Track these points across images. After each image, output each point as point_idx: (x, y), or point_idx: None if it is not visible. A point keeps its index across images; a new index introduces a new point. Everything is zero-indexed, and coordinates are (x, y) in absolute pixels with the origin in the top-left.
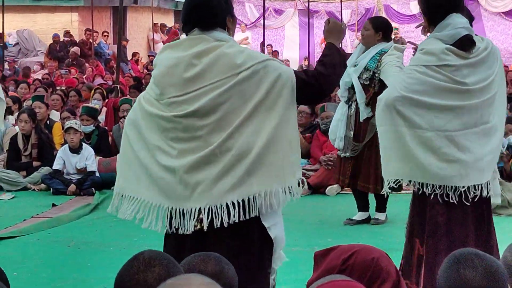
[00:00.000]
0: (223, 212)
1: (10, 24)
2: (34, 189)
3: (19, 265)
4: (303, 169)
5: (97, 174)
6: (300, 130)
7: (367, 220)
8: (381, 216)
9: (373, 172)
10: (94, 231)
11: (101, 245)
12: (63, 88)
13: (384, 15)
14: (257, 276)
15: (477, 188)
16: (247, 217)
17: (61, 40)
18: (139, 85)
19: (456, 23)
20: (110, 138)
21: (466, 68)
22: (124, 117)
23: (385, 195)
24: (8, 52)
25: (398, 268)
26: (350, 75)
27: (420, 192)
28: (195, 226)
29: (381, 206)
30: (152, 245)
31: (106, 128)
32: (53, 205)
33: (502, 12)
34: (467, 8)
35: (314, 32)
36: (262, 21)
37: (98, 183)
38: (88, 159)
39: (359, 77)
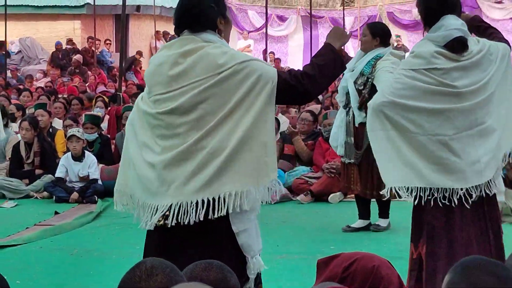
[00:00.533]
0: (192, 210)
1: (13, 32)
2: (36, 197)
3: (21, 273)
4: (306, 176)
5: (99, 182)
6: (302, 137)
7: (366, 228)
8: (382, 222)
9: (373, 177)
10: (96, 239)
11: (104, 253)
12: (66, 96)
13: (387, 22)
14: None
15: (477, 189)
16: (215, 215)
17: (63, 48)
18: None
19: (449, 24)
20: (112, 146)
21: (456, 71)
22: None
23: (388, 201)
24: (11, 60)
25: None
26: (347, 80)
27: (417, 196)
28: (158, 221)
29: (383, 212)
30: None
31: (109, 136)
32: (56, 213)
33: (504, 19)
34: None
35: (317, 39)
36: (265, 29)
37: (101, 191)
38: (91, 167)
39: (355, 82)
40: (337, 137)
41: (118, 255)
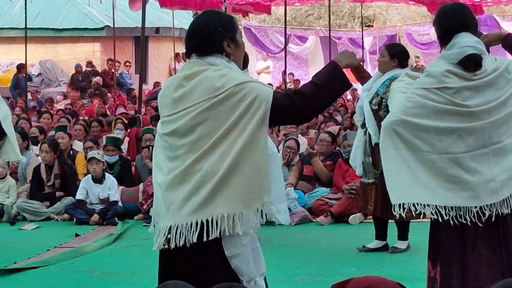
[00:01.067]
0: (187, 232)
1: (33, 54)
2: (57, 219)
3: None
4: (326, 198)
5: (120, 204)
6: (321, 158)
7: (382, 249)
8: (401, 244)
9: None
10: (117, 261)
11: (124, 275)
12: (86, 118)
13: (405, 43)
14: None
15: (491, 208)
16: (209, 238)
17: (83, 70)
18: None
19: (462, 42)
20: (133, 168)
21: (468, 90)
22: (146, 146)
23: (407, 223)
24: (31, 83)
25: None
26: (363, 100)
27: (431, 213)
28: (164, 245)
29: (402, 234)
30: None
31: (129, 158)
32: (76, 235)
33: None
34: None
35: None
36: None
37: (121, 213)
38: (111, 189)
39: (370, 102)
40: (356, 157)
41: (139, 277)
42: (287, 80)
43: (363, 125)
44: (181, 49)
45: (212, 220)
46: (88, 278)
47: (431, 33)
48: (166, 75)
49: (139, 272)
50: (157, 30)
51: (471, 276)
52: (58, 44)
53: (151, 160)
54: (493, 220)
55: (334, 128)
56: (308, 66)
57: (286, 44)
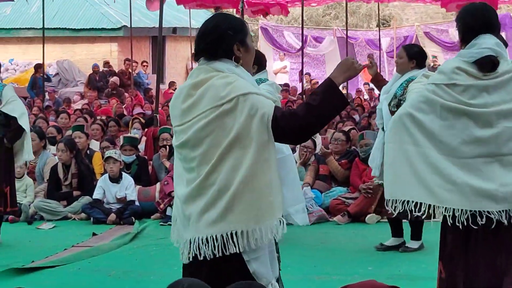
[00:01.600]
0: (206, 246)
1: (51, 54)
2: (74, 219)
3: None
4: (343, 197)
5: (137, 203)
6: (336, 157)
7: (401, 246)
8: (413, 244)
9: None
10: (134, 260)
11: (142, 274)
12: (103, 117)
13: (423, 42)
14: None
15: (490, 215)
16: (227, 253)
17: (100, 70)
18: None
19: (482, 43)
20: (150, 168)
21: (476, 88)
22: (163, 146)
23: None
24: (49, 83)
25: None
26: (382, 102)
27: (426, 212)
28: (188, 258)
29: (416, 234)
30: None
31: (146, 157)
32: (94, 234)
33: None
34: (502, 36)
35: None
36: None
37: (138, 212)
38: (128, 188)
39: (388, 104)
40: (374, 158)
41: (156, 276)
42: (304, 81)
43: (383, 128)
44: None
45: (227, 234)
46: (105, 277)
47: (450, 32)
48: (183, 75)
49: (156, 271)
50: (174, 30)
51: (473, 278)
52: (76, 44)
53: (168, 160)
54: (494, 227)
55: (345, 128)
56: (325, 66)
57: (303, 44)
